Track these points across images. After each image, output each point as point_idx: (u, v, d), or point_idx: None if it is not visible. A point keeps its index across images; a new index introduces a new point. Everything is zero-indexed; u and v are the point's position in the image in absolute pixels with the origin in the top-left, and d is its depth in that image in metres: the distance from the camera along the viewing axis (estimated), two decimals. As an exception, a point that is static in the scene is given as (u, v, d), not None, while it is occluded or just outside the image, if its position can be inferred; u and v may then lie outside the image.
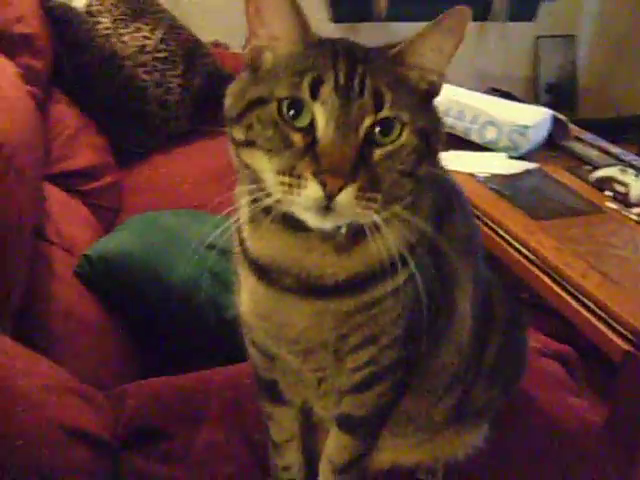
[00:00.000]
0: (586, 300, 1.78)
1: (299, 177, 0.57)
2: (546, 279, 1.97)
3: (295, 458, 0.91)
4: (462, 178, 2.41)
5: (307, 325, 0.71)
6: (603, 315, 1.72)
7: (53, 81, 1.98)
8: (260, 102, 0.60)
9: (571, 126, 2.75)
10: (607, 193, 2.29)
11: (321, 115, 0.58)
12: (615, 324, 1.68)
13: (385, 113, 0.59)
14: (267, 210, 0.63)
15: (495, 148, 2.55)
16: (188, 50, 2.41)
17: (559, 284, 1.92)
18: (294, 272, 0.67)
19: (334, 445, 0.85)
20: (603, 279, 1.82)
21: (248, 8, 0.63)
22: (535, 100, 3.65)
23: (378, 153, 0.60)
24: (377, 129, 0.60)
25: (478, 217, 2.26)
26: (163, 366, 1.24)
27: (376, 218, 0.60)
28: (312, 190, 0.57)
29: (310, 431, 0.92)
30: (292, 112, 0.59)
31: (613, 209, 2.20)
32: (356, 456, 0.85)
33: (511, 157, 2.51)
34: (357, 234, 0.65)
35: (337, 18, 3.33)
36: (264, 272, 0.68)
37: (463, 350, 0.83)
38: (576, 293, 1.83)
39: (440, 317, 0.76)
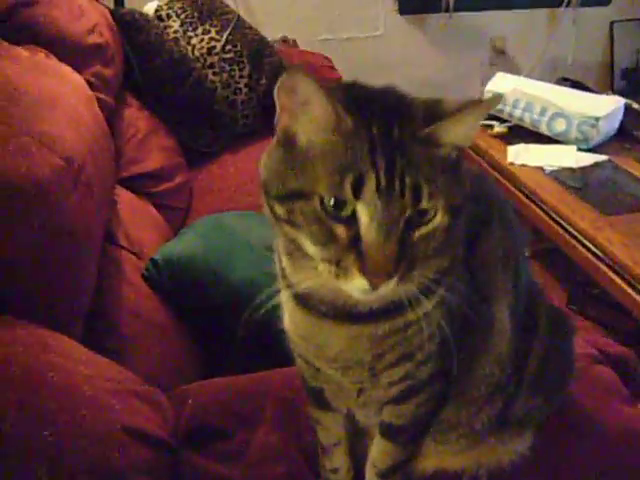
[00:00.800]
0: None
1: (346, 270, 0.60)
2: (614, 276, 1.94)
3: (343, 461, 0.94)
4: (530, 172, 2.39)
5: (344, 347, 0.74)
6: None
7: (124, 86, 2.07)
8: (301, 195, 0.62)
9: (645, 115, 2.66)
10: (680, 186, 2.22)
11: (364, 214, 0.59)
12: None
13: (423, 205, 0.61)
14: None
15: (565, 140, 2.50)
16: (254, 50, 2.46)
17: (627, 281, 1.88)
18: (330, 300, 0.70)
19: (377, 451, 0.88)
20: (673, 277, 1.78)
21: (281, 90, 0.63)
22: (610, 87, 3.52)
23: (416, 235, 0.62)
24: (414, 215, 0.61)
25: (546, 212, 2.24)
26: (224, 367, 1.29)
27: (415, 291, 0.65)
28: (358, 283, 0.60)
29: (357, 436, 0.95)
30: (334, 208, 0.60)
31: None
32: (398, 462, 0.88)
33: (581, 149, 2.46)
34: None
35: (403, 10, 3.31)
36: (302, 298, 0.71)
37: (503, 361, 0.83)
38: (644, 291, 1.80)
39: (477, 331, 0.77)
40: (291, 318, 0.76)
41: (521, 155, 2.46)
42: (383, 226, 0.59)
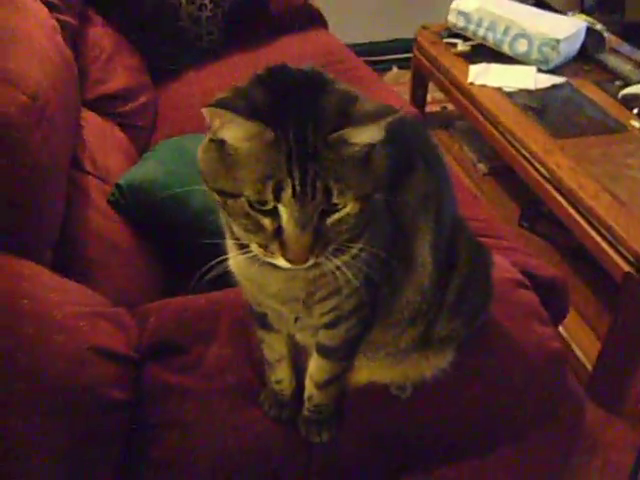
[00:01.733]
0: (595, 222, 1.87)
1: (272, 252, 0.74)
2: (560, 198, 2.05)
3: (285, 374, 1.07)
4: (489, 92, 2.46)
5: (281, 287, 0.86)
6: (608, 237, 1.81)
7: (87, 2, 2.07)
8: (231, 195, 0.72)
9: (608, 37, 2.71)
10: (635, 111, 2.30)
11: (284, 213, 0.70)
12: (619, 246, 1.77)
13: (334, 201, 0.71)
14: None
15: (526, 61, 2.56)
16: (220, -36, 2.44)
17: (572, 204, 2.00)
18: None
19: (314, 366, 1.02)
20: (613, 201, 1.90)
21: (207, 118, 0.71)
22: (580, 5, 3.53)
23: (328, 222, 0.73)
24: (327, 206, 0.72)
25: (501, 133, 2.32)
26: (183, 287, 1.40)
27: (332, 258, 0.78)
28: (282, 262, 0.74)
29: (298, 351, 1.08)
30: (259, 205, 0.71)
31: (637, 128, 2.22)
32: (333, 375, 1.02)
33: (541, 70, 2.52)
34: None
35: None
36: (244, 247, 0.81)
37: (424, 290, 0.95)
38: (586, 214, 1.92)
39: (398, 266, 0.88)
40: (235, 262, 0.87)
41: (481, 75, 2.52)
42: (299, 222, 0.70)
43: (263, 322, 1.02)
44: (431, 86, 3.08)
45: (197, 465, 1.02)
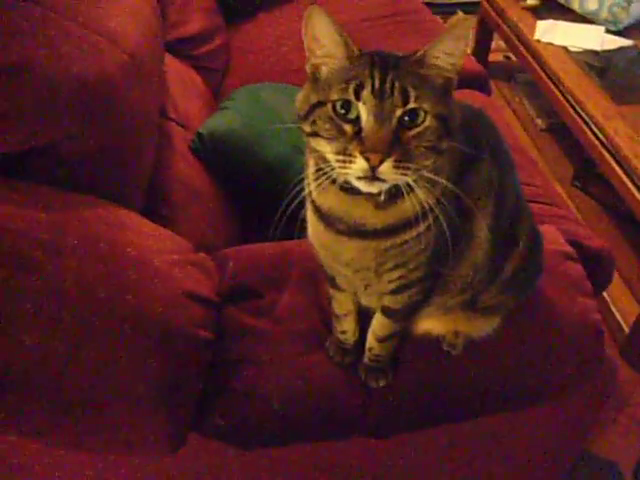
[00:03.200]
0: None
1: (350, 155, 0.79)
2: (615, 166, 2.10)
3: (350, 326, 1.20)
4: (554, 51, 2.47)
5: (354, 256, 0.96)
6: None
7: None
8: (319, 104, 0.82)
9: (683, -2, 2.65)
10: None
11: (364, 111, 0.79)
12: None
13: (411, 105, 0.80)
14: (329, 177, 0.86)
15: (595, 20, 2.55)
16: None
17: (626, 172, 2.05)
18: (345, 220, 0.91)
19: (378, 323, 1.14)
20: (670, 175, 1.94)
21: (306, 35, 0.83)
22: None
23: (408, 134, 0.81)
24: (406, 117, 0.80)
25: (562, 94, 2.35)
26: (259, 234, 1.52)
27: (410, 181, 0.83)
28: (360, 164, 0.79)
29: (364, 310, 1.20)
30: (343, 110, 0.80)
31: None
32: (394, 332, 1.14)
33: (609, 31, 2.51)
34: (392, 197, 0.88)
35: None
36: (323, 216, 0.92)
37: (477, 268, 1.05)
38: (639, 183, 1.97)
39: (459, 244, 0.98)
40: (313, 229, 0.98)
41: (548, 32, 2.52)
42: (377, 116, 0.78)
43: (333, 282, 1.14)
44: (495, 34, 3.07)
45: (270, 398, 1.16)
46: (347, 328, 1.20)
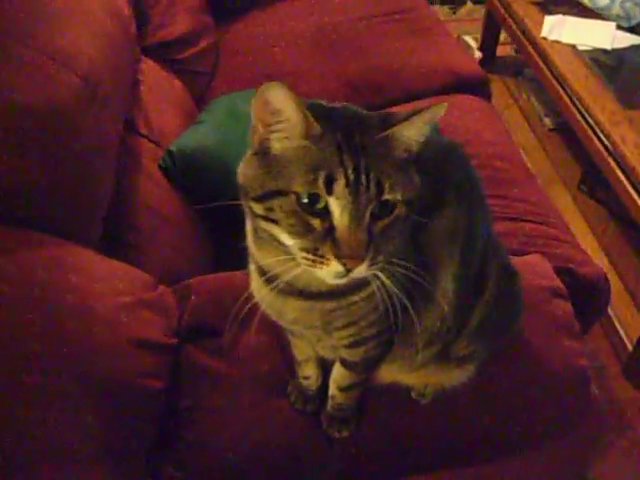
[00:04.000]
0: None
1: (322, 257, 0.70)
2: (620, 174, 1.99)
3: (312, 372, 1.13)
4: (562, 50, 2.34)
5: (298, 315, 0.89)
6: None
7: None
8: (279, 193, 0.71)
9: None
10: None
11: (336, 207, 0.69)
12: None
13: (385, 197, 0.71)
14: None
15: (606, 15, 2.41)
16: None
17: (631, 183, 1.94)
18: (288, 280, 0.81)
19: (337, 373, 1.07)
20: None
21: (260, 108, 0.72)
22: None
23: (380, 225, 0.73)
24: (378, 208, 0.72)
25: (569, 97, 2.23)
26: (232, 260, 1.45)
27: (379, 274, 0.76)
28: (335, 267, 0.70)
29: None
30: (308, 200, 0.70)
31: None
32: (355, 382, 1.06)
33: (620, 28, 2.37)
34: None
35: None
36: (264, 272, 0.84)
37: (444, 317, 0.97)
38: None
39: (419, 296, 0.89)
40: (256, 286, 0.90)
41: (556, 29, 2.39)
42: (354, 215, 0.69)
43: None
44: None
45: (225, 449, 1.10)
46: (309, 373, 1.13)
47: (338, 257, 0.70)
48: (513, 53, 3.14)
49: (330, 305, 0.84)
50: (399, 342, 0.99)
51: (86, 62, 1.20)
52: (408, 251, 0.86)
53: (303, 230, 0.71)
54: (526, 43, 2.48)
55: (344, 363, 1.03)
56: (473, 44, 3.09)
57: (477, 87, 2.09)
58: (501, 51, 3.13)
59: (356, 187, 0.69)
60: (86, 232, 1.19)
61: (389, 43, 2.17)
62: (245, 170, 0.77)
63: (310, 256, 0.71)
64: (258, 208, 0.74)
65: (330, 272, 0.71)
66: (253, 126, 0.76)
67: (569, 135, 2.63)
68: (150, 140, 1.56)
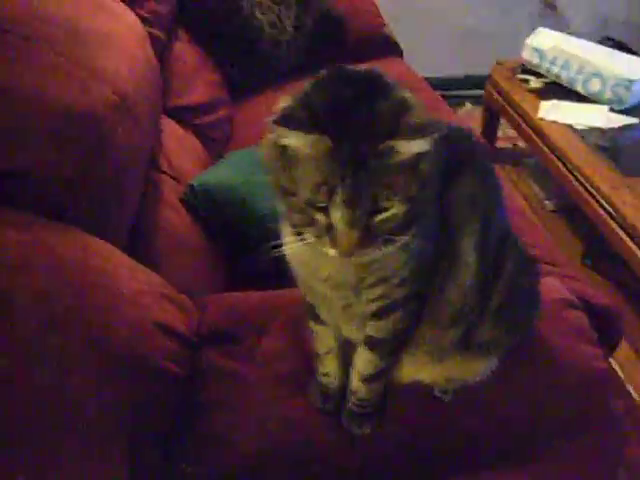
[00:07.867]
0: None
1: (323, 243, 0.81)
2: (624, 236, 2.04)
3: (332, 367, 1.11)
4: (559, 129, 2.47)
5: (332, 271, 0.91)
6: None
7: (176, 20, 2.21)
8: (289, 192, 0.80)
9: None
10: None
11: (335, 214, 0.78)
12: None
13: (380, 206, 0.78)
14: None
15: (598, 100, 2.56)
16: (302, -8, 2.56)
17: (635, 243, 1.99)
18: None
19: (361, 359, 1.05)
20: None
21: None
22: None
23: (377, 219, 0.79)
24: (375, 209, 0.79)
25: (569, 170, 2.32)
26: (245, 284, 1.47)
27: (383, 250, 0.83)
28: (332, 252, 0.81)
29: (346, 348, 1.11)
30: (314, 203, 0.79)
31: None
32: (379, 370, 1.05)
33: (613, 110, 2.51)
34: None
35: None
36: (300, 232, 0.86)
37: (466, 291, 0.98)
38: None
39: (443, 261, 0.93)
40: (291, 247, 0.92)
41: (552, 111, 2.54)
42: (348, 222, 0.77)
43: (314, 313, 1.07)
44: (503, 122, 3.11)
45: (241, 445, 1.06)
46: (329, 369, 1.12)
47: (335, 249, 0.80)
48: (511, 146, 3.29)
49: (365, 259, 0.86)
50: (425, 317, 0.99)
51: (123, 83, 1.30)
52: (430, 215, 0.89)
53: (309, 222, 0.81)
54: (525, 126, 2.62)
55: (370, 343, 1.02)
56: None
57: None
58: (499, 144, 3.29)
59: (352, 201, 0.76)
60: (114, 236, 1.21)
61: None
62: (265, 150, 0.84)
63: (316, 238, 0.82)
64: (275, 184, 0.83)
65: (330, 254, 0.81)
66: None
67: (570, 215, 2.72)
68: (171, 177, 1.62)
